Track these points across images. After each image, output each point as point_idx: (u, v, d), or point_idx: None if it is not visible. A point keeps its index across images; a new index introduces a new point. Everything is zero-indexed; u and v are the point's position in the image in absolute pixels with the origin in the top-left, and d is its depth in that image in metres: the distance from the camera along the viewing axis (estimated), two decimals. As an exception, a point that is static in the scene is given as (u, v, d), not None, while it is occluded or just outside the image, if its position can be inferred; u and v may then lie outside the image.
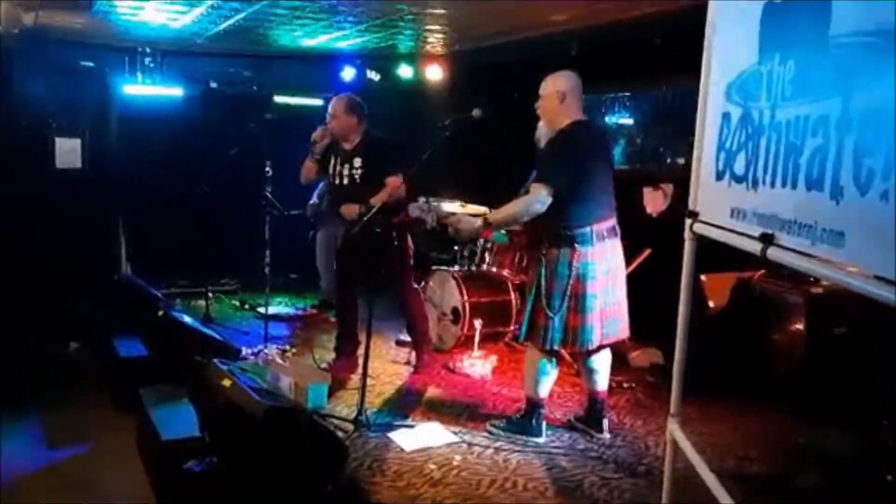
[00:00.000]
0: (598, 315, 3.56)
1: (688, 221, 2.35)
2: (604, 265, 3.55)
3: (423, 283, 5.35)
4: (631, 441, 3.77)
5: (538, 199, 3.45)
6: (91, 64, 6.47)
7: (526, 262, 5.32)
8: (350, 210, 4.38)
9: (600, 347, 3.68)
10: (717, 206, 2.17)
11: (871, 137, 1.39)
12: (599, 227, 3.53)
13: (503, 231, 5.18)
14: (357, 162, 4.47)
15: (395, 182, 4.28)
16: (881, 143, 1.36)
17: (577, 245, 3.48)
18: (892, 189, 1.31)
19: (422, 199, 3.97)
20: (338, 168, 4.55)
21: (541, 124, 3.70)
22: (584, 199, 3.49)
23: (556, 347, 3.59)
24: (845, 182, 1.47)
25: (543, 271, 3.55)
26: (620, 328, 3.69)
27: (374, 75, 7.17)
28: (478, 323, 4.96)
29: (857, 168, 1.43)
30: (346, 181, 4.50)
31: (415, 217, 3.87)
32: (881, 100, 1.37)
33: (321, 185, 6.35)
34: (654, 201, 5.23)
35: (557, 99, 3.59)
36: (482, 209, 5.39)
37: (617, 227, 3.66)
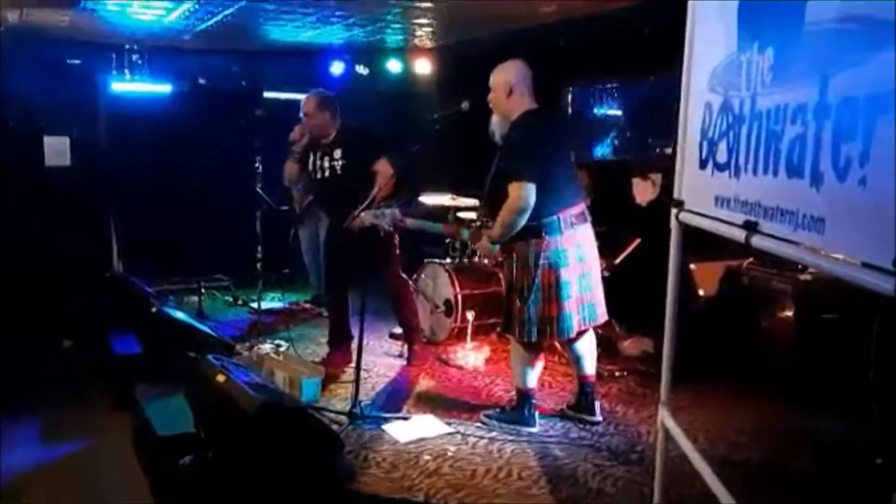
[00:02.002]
0: (574, 302, 3.56)
1: (673, 210, 2.36)
2: (576, 252, 3.56)
3: (415, 275, 5.37)
4: (624, 429, 3.80)
5: (520, 196, 3.39)
6: (78, 61, 6.44)
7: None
8: (361, 220, 4.19)
9: (580, 333, 3.69)
10: (702, 195, 2.19)
11: (848, 124, 1.41)
12: (566, 215, 3.52)
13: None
14: (337, 153, 4.49)
15: (384, 167, 4.31)
16: (858, 129, 1.38)
17: (545, 235, 3.47)
18: (870, 175, 1.33)
19: (374, 207, 3.98)
20: (318, 163, 4.56)
21: (494, 117, 3.68)
22: (548, 188, 3.45)
23: (534, 339, 3.60)
24: (824, 168, 1.49)
25: (514, 264, 3.57)
26: (599, 312, 3.70)
27: (363, 69, 7.16)
28: (470, 315, 4.98)
29: (835, 154, 1.44)
30: (327, 174, 4.51)
31: (369, 224, 3.90)
32: (857, 86, 1.39)
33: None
34: (644, 191, 5.25)
35: (504, 92, 3.58)
36: (472, 202, 5.42)
37: (586, 213, 3.66)
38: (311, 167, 4.60)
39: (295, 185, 4.89)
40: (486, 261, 4.03)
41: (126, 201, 6.64)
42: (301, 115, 4.55)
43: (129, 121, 6.51)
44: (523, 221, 3.45)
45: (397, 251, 4.77)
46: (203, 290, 6.23)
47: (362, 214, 3.92)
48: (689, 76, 2.31)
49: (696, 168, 2.24)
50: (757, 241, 1.82)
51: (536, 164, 3.44)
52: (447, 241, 5.81)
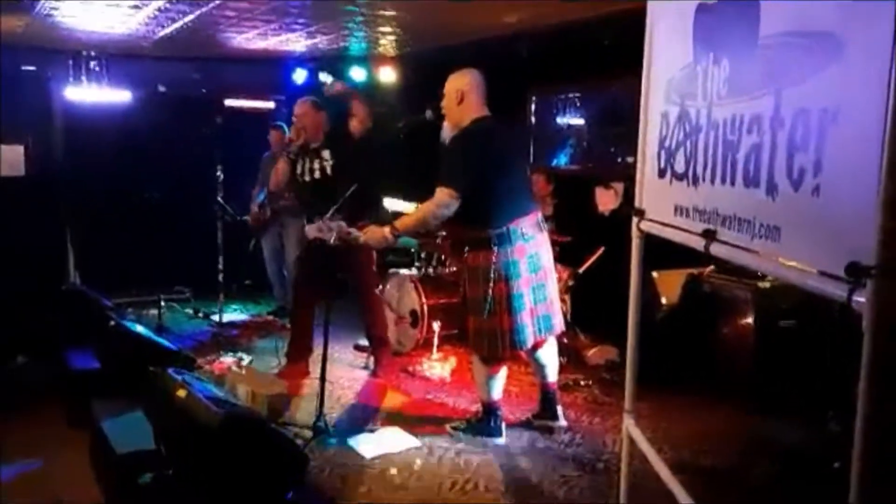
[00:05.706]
0: (528, 314, 3.53)
1: (634, 219, 2.38)
2: (529, 262, 3.52)
3: (380, 286, 5.33)
4: (589, 438, 3.81)
5: (442, 202, 3.40)
6: (33, 68, 6.28)
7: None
8: (306, 234, 4.23)
9: (539, 343, 3.68)
10: (662, 204, 2.20)
11: (802, 135, 1.43)
12: (518, 225, 3.48)
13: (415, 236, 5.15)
14: (326, 154, 4.58)
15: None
16: (810, 140, 1.40)
17: (494, 247, 3.44)
18: (823, 185, 1.35)
19: (318, 220, 3.95)
20: (307, 165, 4.63)
21: (445, 125, 3.68)
22: (497, 199, 3.44)
23: (490, 353, 3.58)
24: (779, 178, 1.51)
25: (467, 277, 3.55)
26: (555, 323, 3.68)
27: (326, 77, 7.11)
28: (436, 325, 4.96)
29: (789, 164, 1.47)
30: (317, 175, 4.59)
31: (314, 237, 3.88)
32: (809, 98, 1.41)
33: (261, 193, 6.26)
34: (606, 200, 5.30)
35: (456, 99, 3.58)
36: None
37: (541, 222, 3.65)
38: (299, 171, 4.67)
39: (278, 188, 5.02)
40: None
41: (83, 212, 6.49)
42: (294, 118, 4.66)
43: (86, 129, 6.38)
44: (432, 224, 3.47)
45: (374, 265, 4.77)
46: (163, 303, 6.11)
47: (306, 228, 3.89)
48: (647, 86, 2.33)
49: (655, 177, 2.26)
50: (716, 249, 1.84)
51: (471, 176, 3.42)
52: (412, 251, 5.80)
